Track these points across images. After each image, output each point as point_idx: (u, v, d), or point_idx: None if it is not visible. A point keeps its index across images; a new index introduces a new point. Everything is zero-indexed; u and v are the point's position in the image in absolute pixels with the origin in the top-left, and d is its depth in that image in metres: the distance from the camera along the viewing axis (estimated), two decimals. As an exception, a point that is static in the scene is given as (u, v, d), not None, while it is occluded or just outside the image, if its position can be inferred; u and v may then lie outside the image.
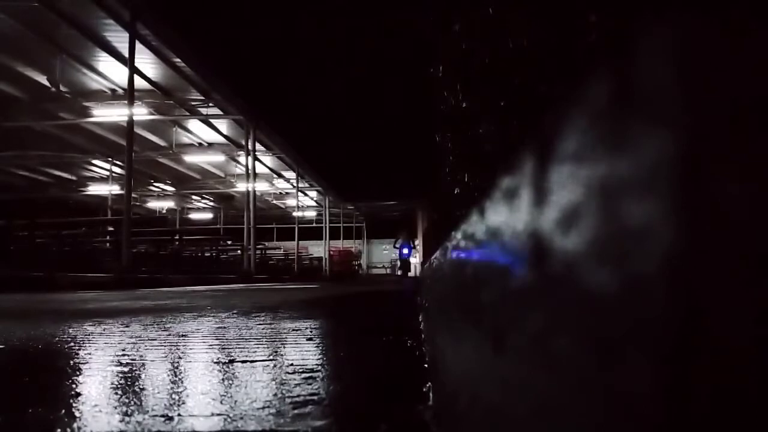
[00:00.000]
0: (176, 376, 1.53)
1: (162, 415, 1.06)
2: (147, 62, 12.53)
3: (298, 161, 22.29)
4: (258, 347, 2.03)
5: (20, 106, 14.17)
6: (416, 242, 21.81)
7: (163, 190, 26.08)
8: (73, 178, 22.95)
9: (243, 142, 17.70)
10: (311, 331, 2.58)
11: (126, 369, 1.61)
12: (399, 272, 20.11)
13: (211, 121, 17.08)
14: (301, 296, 6.63)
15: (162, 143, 18.83)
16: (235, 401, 1.17)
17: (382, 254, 38.09)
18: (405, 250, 18.84)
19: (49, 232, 12.20)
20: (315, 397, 1.20)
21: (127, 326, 2.83)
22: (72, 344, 2.18)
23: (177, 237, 17.71)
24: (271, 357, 1.81)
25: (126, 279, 9.25)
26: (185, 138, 18.87)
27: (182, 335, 2.44)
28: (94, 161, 20.53)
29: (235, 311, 3.84)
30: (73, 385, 1.40)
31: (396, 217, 33.05)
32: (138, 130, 15.73)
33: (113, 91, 14.22)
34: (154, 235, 15.76)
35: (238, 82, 15.42)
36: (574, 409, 0.32)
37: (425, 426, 1.01)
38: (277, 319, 3.20)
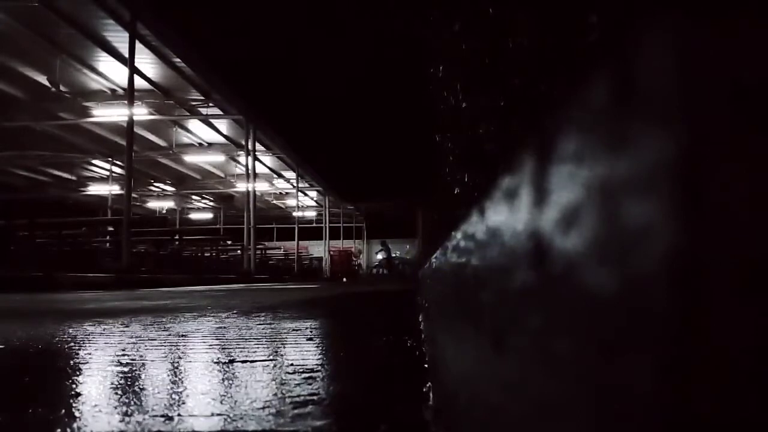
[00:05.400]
0: (176, 376, 1.53)
1: (162, 415, 1.06)
2: (147, 62, 12.54)
3: (298, 161, 22.30)
4: (258, 347, 2.03)
5: (20, 106, 14.17)
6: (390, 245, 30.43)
7: (163, 190, 26.08)
8: (73, 178, 22.96)
9: (243, 142, 17.70)
10: (311, 331, 2.58)
11: (126, 369, 1.61)
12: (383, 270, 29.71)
13: (211, 121, 17.09)
14: (301, 296, 6.63)
15: (162, 143, 18.84)
16: (235, 401, 1.17)
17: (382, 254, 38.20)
18: (383, 255, 28.89)
19: (49, 232, 12.19)
20: (315, 397, 1.20)
21: (127, 326, 2.83)
22: (72, 344, 2.18)
23: (177, 237, 17.72)
24: (271, 357, 1.81)
25: (126, 279, 9.25)
26: (185, 138, 18.88)
27: (182, 335, 2.44)
28: (94, 161, 20.54)
29: (235, 311, 3.84)
30: (73, 385, 1.40)
31: (397, 217, 33.07)
32: (138, 130, 15.73)
33: (113, 91, 14.23)
34: (154, 235, 15.77)
35: (238, 82, 15.43)
36: (573, 410, 0.32)
37: (425, 426, 1.01)
38: (277, 319, 3.20)
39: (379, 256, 31.19)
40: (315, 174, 24.92)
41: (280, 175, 24.89)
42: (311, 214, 34.68)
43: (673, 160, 0.23)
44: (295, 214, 27.30)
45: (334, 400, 1.19)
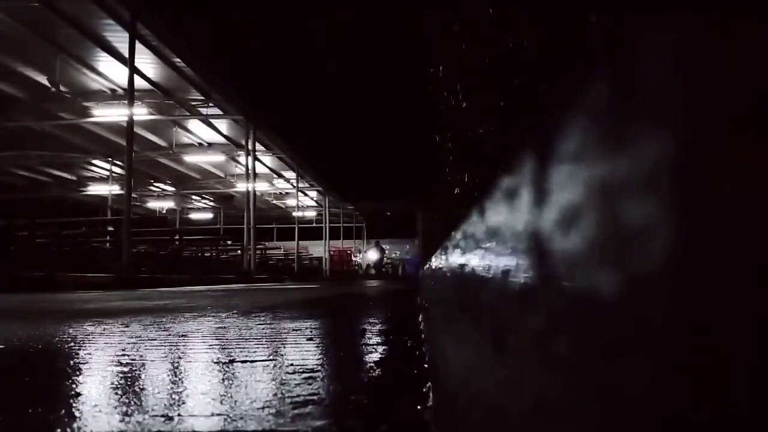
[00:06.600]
0: (176, 376, 1.53)
1: (162, 415, 1.06)
2: (147, 62, 12.53)
3: (298, 161, 22.29)
4: (258, 347, 2.03)
5: (20, 106, 14.16)
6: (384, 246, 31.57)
7: (163, 190, 26.07)
8: (73, 178, 22.95)
9: (243, 142, 17.69)
10: (311, 331, 2.58)
11: (126, 369, 1.61)
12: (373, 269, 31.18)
13: (211, 121, 17.08)
14: (301, 296, 6.63)
15: (162, 143, 18.83)
16: (235, 401, 1.17)
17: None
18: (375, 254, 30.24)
19: (49, 232, 12.19)
20: (315, 397, 1.20)
21: (127, 326, 2.83)
22: (72, 344, 2.18)
23: (177, 237, 17.71)
24: (271, 357, 1.81)
25: (126, 279, 9.25)
26: (185, 138, 18.87)
27: (182, 335, 2.44)
28: (94, 161, 20.53)
29: (235, 311, 3.84)
30: (73, 385, 1.40)
31: (397, 217, 33.15)
32: (138, 130, 15.71)
33: (113, 91, 14.22)
34: (154, 235, 15.76)
35: (238, 82, 15.42)
36: (573, 410, 0.32)
37: (425, 426, 1.01)
38: (277, 319, 3.20)
39: (370, 255, 32.33)
40: (315, 174, 24.91)
41: (280, 175, 24.87)
42: (311, 214, 34.67)
43: (673, 160, 0.23)
44: (295, 214, 27.29)
45: (334, 400, 1.19)
